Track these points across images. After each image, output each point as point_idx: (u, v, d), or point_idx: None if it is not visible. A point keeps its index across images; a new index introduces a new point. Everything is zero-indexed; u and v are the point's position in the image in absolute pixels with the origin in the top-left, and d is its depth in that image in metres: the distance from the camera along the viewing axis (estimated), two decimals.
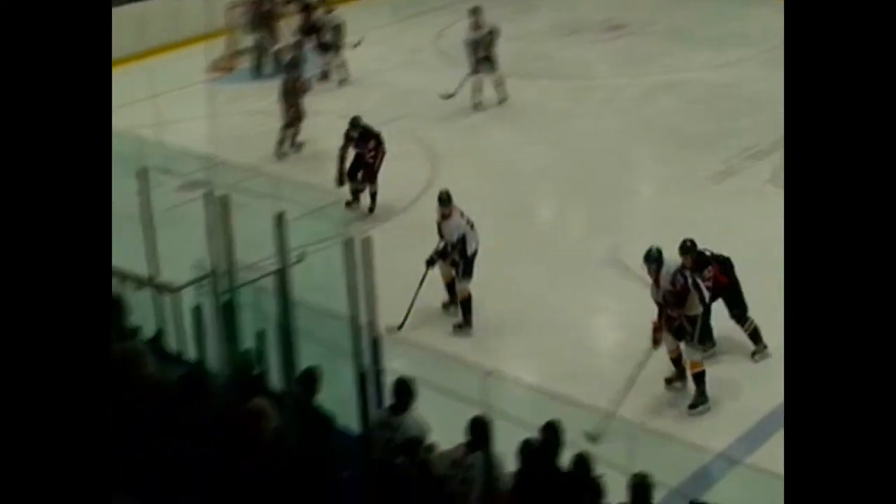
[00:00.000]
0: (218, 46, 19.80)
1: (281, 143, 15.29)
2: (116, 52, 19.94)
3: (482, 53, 17.07)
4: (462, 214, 11.29)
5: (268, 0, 19.84)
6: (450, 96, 16.80)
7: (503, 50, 17.36)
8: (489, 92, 17.16)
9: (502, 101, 17.30)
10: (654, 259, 9.71)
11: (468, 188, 13.72)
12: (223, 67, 19.68)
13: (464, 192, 14.08)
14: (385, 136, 13.88)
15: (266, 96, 17.13)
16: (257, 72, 19.36)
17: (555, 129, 16.40)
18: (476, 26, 17.13)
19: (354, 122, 13.77)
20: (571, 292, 11.62)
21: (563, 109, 17.21)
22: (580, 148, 15.58)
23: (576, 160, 15.19)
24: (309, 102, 15.93)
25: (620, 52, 19.86)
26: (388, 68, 19.39)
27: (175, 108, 16.92)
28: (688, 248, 10.04)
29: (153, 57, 19.84)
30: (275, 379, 8.37)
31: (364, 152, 13.63)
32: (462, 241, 11.10)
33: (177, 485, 5.36)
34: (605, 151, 15.45)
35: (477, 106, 17.09)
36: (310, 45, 18.71)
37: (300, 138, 15.52)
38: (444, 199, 11.26)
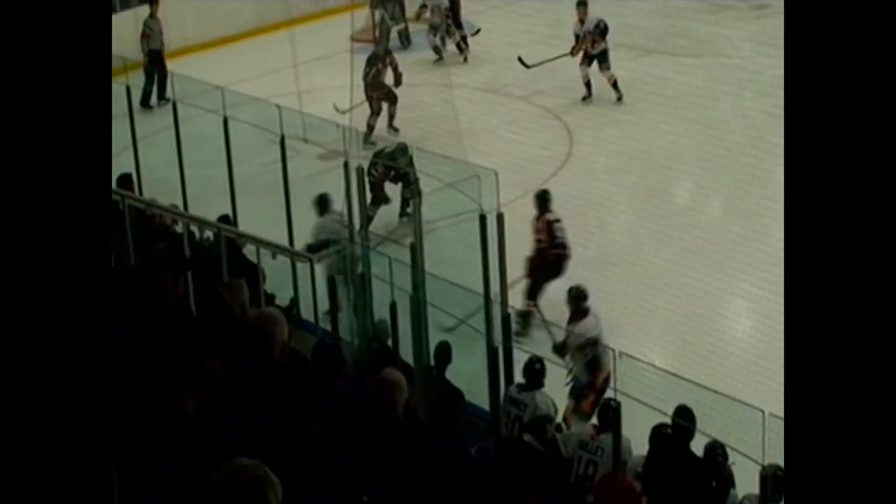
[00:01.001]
0: (361, 17, 19.90)
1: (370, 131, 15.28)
2: (260, 21, 20.34)
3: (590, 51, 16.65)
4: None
5: None
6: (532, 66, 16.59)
7: (646, 25, 17.13)
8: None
9: (619, 99, 16.77)
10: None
11: (604, 166, 13.62)
12: (363, 38, 19.78)
13: (600, 171, 13.95)
14: (523, 112, 13.80)
15: (408, 68, 17.16)
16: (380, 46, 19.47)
17: (695, 109, 16.13)
18: (582, 21, 16.76)
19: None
20: (707, 275, 11.42)
21: (703, 88, 16.91)
22: (720, 128, 15.28)
23: (715, 141, 14.90)
24: (443, 76, 15.91)
25: (765, 31, 19.43)
26: (527, 41, 19.25)
27: (316, 77, 17.06)
28: None
29: (297, 25, 20.03)
30: (405, 351, 8.43)
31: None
32: None
33: (309, 455, 5.41)
34: (745, 133, 15.14)
35: (585, 99, 16.71)
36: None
37: (395, 123, 15.53)
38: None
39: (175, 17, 19.88)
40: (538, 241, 10.98)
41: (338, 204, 10.30)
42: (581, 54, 16.42)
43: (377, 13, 19.63)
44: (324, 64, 18.38)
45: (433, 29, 19.08)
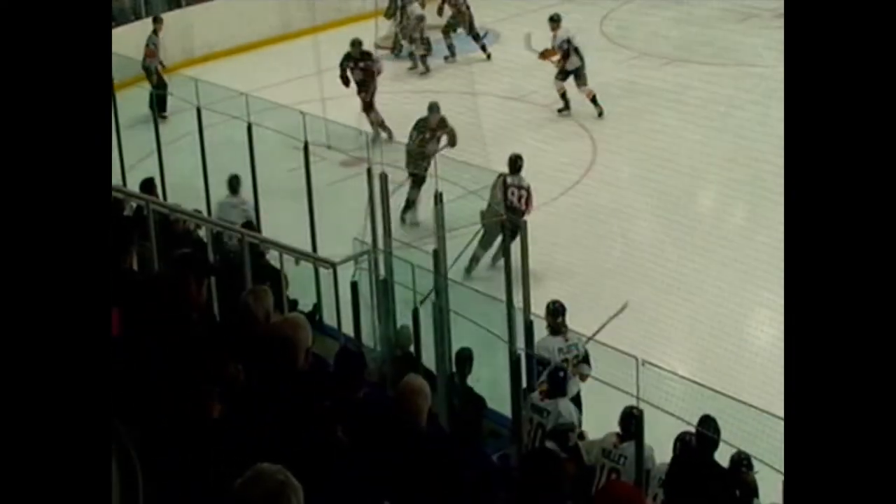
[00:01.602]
0: (385, 24, 19.95)
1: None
2: (285, 28, 20.38)
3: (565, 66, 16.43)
4: None
5: None
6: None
7: (670, 34, 17.11)
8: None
9: (600, 114, 16.35)
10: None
11: (628, 174, 13.60)
12: (386, 46, 19.83)
13: (624, 177, 13.93)
14: (547, 120, 13.79)
15: (431, 76, 17.20)
16: (393, 52, 19.52)
17: (719, 116, 16.10)
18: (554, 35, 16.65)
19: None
20: (731, 284, 11.39)
21: (728, 96, 16.87)
22: (745, 136, 15.24)
23: (740, 149, 14.87)
24: (467, 83, 15.90)
25: None
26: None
27: (339, 84, 17.09)
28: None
29: (321, 32, 20.07)
30: (428, 357, 8.43)
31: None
32: None
33: (331, 461, 5.41)
34: (769, 141, 15.07)
35: (561, 112, 16.42)
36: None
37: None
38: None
39: (199, 24, 19.98)
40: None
41: (359, 210, 10.31)
42: (558, 68, 16.25)
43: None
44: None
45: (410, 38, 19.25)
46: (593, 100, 16.10)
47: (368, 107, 15.84)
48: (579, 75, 16.18)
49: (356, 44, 16.15)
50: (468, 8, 19.34)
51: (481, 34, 19.33)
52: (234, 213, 11.72)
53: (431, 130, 13.62)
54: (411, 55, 19.25)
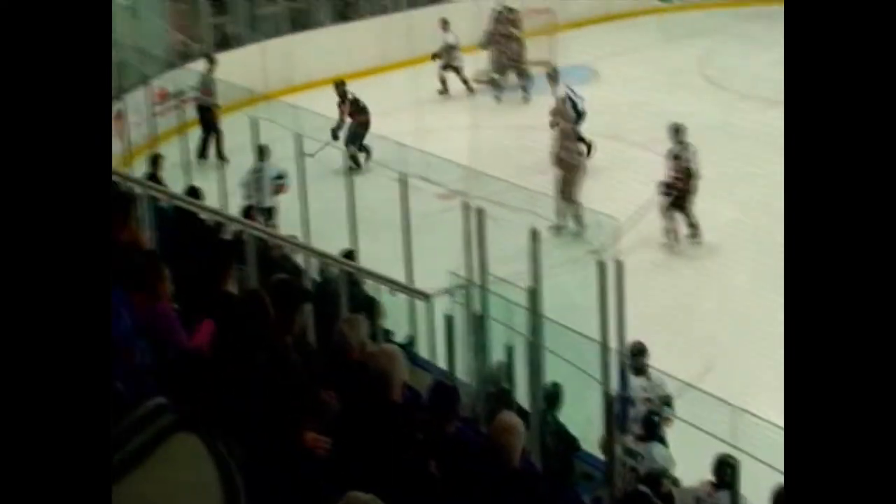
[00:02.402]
0: (481, 58, 20.00)
1: None
2: (384, 59, 20.55)
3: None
4: None
5: (505, 18, 19.86)
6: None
7: (771, 76, 16.91)
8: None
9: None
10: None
11: (727, 218, 13.42)
12: (483, 79, 19.87)
13: (723, 221, 13.75)
14: (645, 159, 13.68)
15: (527, 111, 17.18)
16: (491, 84, 19.59)
17: None
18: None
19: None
20: None
21: None
22: None
23: None
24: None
25: None
26: (650, 89, 19.17)
27: (436, 116, 17.16)
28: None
29: (419, 65, 20.20)
30: (521, 394, 8.35)
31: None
32: None
33: (421, 493, 5.36)
34: None
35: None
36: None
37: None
38: None
39: (300, 53, 20.19)
40: None
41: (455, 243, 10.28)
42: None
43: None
44: (445, 103, 18.48)
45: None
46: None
47: None
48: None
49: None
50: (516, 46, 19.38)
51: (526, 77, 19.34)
52: (252, 180, 11.83)
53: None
54: (496, 84, 19.25)
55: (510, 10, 19.82)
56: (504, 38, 19.60)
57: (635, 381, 8.88)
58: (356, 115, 16.14)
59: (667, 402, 8.97)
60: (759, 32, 18.78)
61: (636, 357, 9.00)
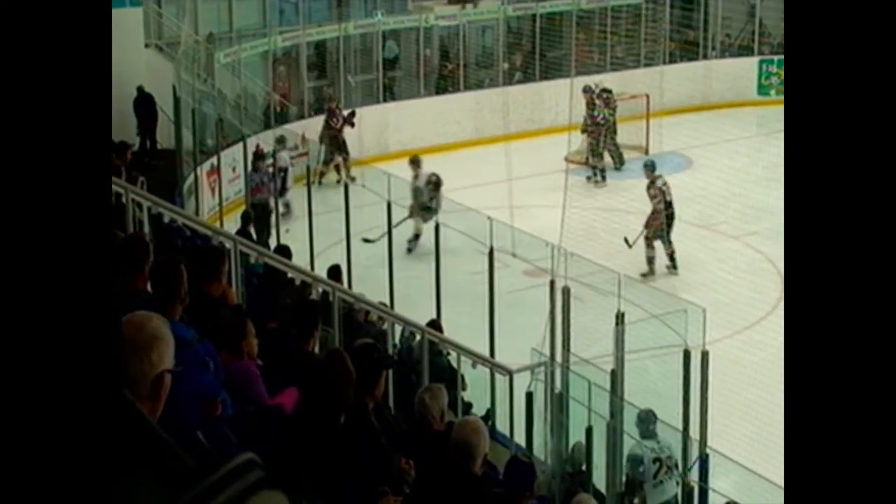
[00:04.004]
0: (577, 139, 20.02)
1: None
2: (478, 133, 20.68)
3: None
4: None
5: (603, 99, 19.91)
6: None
7: None
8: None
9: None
10: None
11: None
12: (577, 160, 19.87)
13: None
14: (736, 252, 13.52)
15: (620, 194, 17.12)
16: (588, 165, 19.62)
17: None
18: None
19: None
20: None
21: None
22: None
23: None
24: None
25: None
26: (744, 180, 19.00)
27: (529, 193, 17.16)
28: None
29: (513, 141, 20.25)
30: (597, 476, 8.24)
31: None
32: None
33: None
34: None
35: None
36: None
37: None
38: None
39: (396, 121, 20.38)
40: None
41: (539, 321, 10.21)
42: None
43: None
44: (537, 181, 18.49)
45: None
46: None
47: None
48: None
49: None
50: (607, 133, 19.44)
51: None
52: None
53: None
54: (594, 167, 19.29)
55: (607, 91, 19.86)
56: (597, 121, 19.63)
57: (645, 443, 8.75)
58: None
59: (674, 464, 8.81)
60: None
61: (644, 424, 8.90)
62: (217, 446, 4.70)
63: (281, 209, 15.46)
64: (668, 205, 15.00)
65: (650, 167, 15.37)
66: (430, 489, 5.58)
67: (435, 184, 15.50)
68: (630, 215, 15.54)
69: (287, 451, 4.75)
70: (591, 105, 19.81)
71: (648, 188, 15.23)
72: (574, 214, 15.83)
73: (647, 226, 14.92)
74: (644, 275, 14.51)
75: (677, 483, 8.61)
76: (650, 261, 14.81)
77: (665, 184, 15.18)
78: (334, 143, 18.31)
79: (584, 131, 19.83)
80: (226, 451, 3.90)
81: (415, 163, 16.14)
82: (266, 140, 17.05)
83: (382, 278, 11.81)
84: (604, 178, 19.24)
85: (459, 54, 22.13)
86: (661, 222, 14.84)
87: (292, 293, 8.99)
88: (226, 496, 3.31)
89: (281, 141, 16.71)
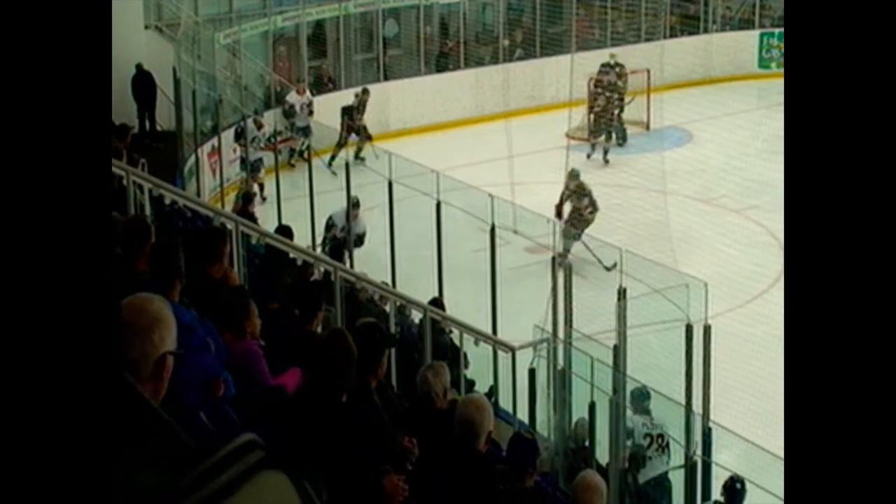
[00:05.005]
0: (578, 114, 20.00)
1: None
2: (478, 111, 20.66)
3: None
4: None
5: (608, 73, 19.85)
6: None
7: None
8: None
9: None
10: None
11: None
12: (578, 136, 19.85)
13: None
14: (737, 225, 13.54)
15: (621, 170, 17.12)
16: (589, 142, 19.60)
17: None
18: None
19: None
20: None
21: None
22: None
23: None
24: (659, 182, 15.78)
25: None
26: (745, 154, 19.00)
27: (529, 170, 17.16)
28: None
29: (513, 118, 20.24)
30: (601, 451, 8.27)
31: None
32: None
33: None
34: None
35: None
36: None
37: None
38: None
39: (397, 99, 20.36)
40: None
41: (541, 297, 10.22)
42: None
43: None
44: (538, 158, 18.48)
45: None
46: None
47: None
48: None
49: None
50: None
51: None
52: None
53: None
54: (593, 145, 19.26)
55: (619, 64, 19.85)
56: (608, 95, 19.62)
57: (637, 419, 8.75)
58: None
59: (665, 442, 8.80)
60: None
61: (638, 401, 8.90)
62: (220, 427, 4.72)
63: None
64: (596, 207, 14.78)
65: (575, 175, 15.24)
66: (433, 467, 5.61)
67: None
68: (631, 190, 15.55)
69: (289, 432, 4.77)
70: (601, 82, 19.79)
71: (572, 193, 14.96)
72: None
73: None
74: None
75: (668, 461, 8.62)
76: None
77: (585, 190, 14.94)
78: (353, 129, 18.43)
79: (591, 108, 19.75)
80: (228, 431, 3.92)
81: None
82: (268, 121, 17.08)
83: (384, 257, 11.83)
84: (606, 160, 19.12)
85: (460, 32, 22.09)
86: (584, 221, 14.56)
87: (294, 273, 9.01)
88: (227, 476, 3.34)
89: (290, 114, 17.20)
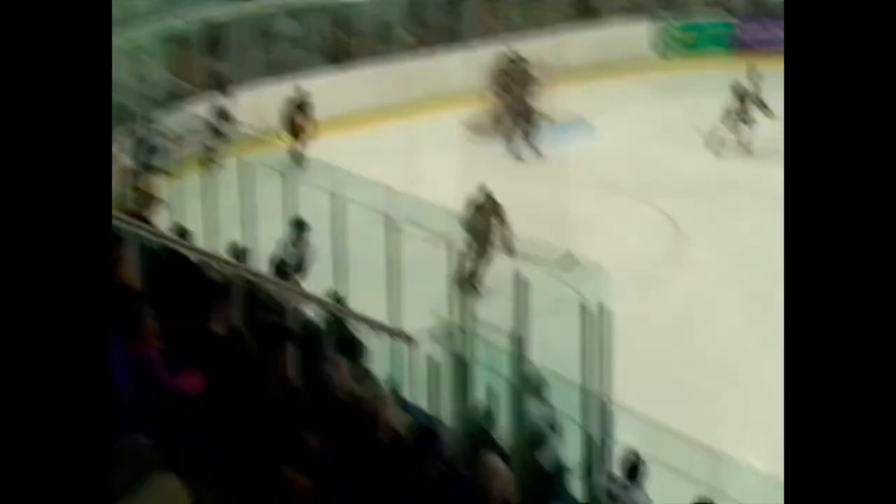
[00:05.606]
0: (476, 107, 20.13)
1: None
2: (378, 104, 20.65)
3: None
4: None
5: (512, 66, 20.02)
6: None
7: (763, 129, 17.12)
8: None
9: None
10: None
11: (713, 266, 13.50)
12: (478, 129, 19.98)
13: (709, 270, 13.85)
14: (633, 209, 13.77)
15: (522, 163, 17.26)
16: (501, 136, 19.68)
17: None
18: None
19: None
20: None
21: None
22: None
23: None
24: (559, 172, 15.99)
25: None
26: (641, 141, 19.31)
27: (428, 163, 17.26)
28: None
29: (412, 112, 20.34)
30: (504, 436, 8.39)
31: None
32: None
33: None
34: None
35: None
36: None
37: None
38: None
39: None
40: None
41: (441, 287, 10.34)
42: None
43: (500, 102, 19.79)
44: (437, 151, 18.57)
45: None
46: None
47: None
48: None
49: None
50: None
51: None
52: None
53: (486, 213, 13.70)
54: (508, 140, 19.35)
55: (523, 59, 19.98)
56: (511, 90, 19.74)
57: (535, 403, 8.84)
58: None
59: (560, 427, 8.91)
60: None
61: (536, 383, 8.99)
62: (116, 430, 4.74)
63: None
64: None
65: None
66: (336, 459, 5.69)
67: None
68: (530, 180, 15.74)
69: (189, 433, 4.82)
70: (506, 75, 19.90)
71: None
72: (475, 183, 15.98)
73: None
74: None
75: (567, 442, 8.72)
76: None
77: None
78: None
79: (505, 103, 19.80)
80: (123, 435, 3.96)
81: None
82: (168, 124, 16.95)
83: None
84: (529, 153, 19.18)
85: (360, 28, 22.13)
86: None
87: (192, 273, 8.99)
88: (119, 479, 3.40)
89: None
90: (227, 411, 5.71)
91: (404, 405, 8.75)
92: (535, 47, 20.57)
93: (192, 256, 9.29)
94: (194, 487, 3.80)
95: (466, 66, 20.15)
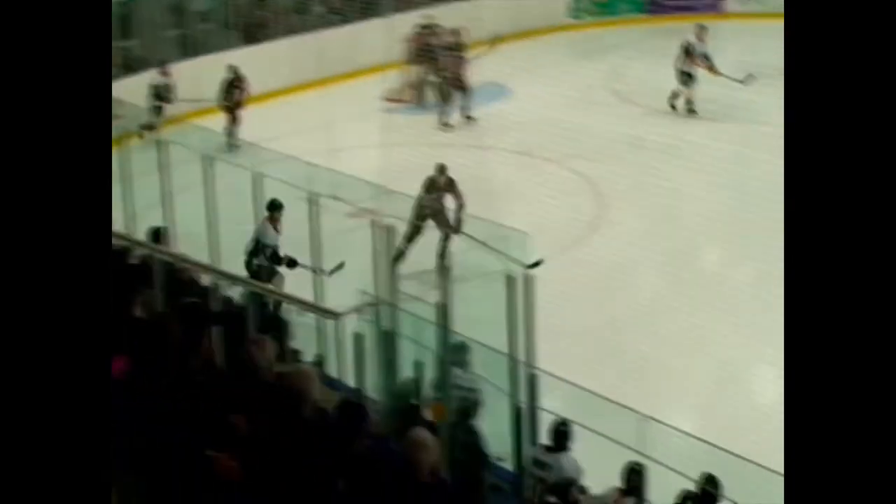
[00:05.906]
0: (393, 77, 20.08)
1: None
2: (294, 79, 20.53)
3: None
4: None
5: (432, 34, 20.01)
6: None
7: (667, 86, 17.25)
8: None
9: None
10: None
11: (634, 230, 13.60)
12: (396, 98, 19.95)
13: (630, 232, 13.97)
14: (555, 175, 13.84)
15: (435, 129, 17.25)
16: (420, 105, 19.65)
17: (725, 173, 16.14)
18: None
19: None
20: (737, 341, 11.38)
21: (734, 153, 16.94)
22: (751, 193, 15.28)
23: (746, 205, 14.90)
24: (477, 138, 16.00)
25: None
26: (560, 105, 19.38)
27: (347, 135, 17.20)
28: None
29: (330, 84, 20.23)
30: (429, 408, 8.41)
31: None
32: None
33: None
34: (776, 198, 15.07)
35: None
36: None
37: None
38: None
39: (209, 75, 20.08)
40: None
41: (365, 262, 10.31)
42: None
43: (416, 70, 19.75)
44: (356, 123, 18.53)
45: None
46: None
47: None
48: None
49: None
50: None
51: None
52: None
53: (439, 190, 13.62)
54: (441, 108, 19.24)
55: (436, 25, 19.94)
56: (429, 55, 19.68)
57: (460, 373, 8.83)
58: None
59: (481, 397, 8.94)
60: (668, 48, 19.07)
61: (460, 353, 8.98)
62: None
63: None
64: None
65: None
66: (263, 441, 5.67)
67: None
68: (449, 148, 15.74)
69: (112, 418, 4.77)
70: (425, 42, 19.84)
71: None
72: (395, 153, 15.97)
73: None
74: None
75: (492, 411, 8.77)
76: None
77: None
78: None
79: (438, 71, 19.66)
80: None
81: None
82: None
83: (203, 235, 11.72)
84: (465, 119, 19.01)
85: (273, 1, 21.97)
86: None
87: (111, 258, 8.89)
88: None
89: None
90: (152, 396, 5.67)
91: (331, 382, 8.74)
92: (451, 13, 20.56)
93: (113, 242, 9.19)
94: (119, 473, 3.76)
95: (383, 36, 20.06)
